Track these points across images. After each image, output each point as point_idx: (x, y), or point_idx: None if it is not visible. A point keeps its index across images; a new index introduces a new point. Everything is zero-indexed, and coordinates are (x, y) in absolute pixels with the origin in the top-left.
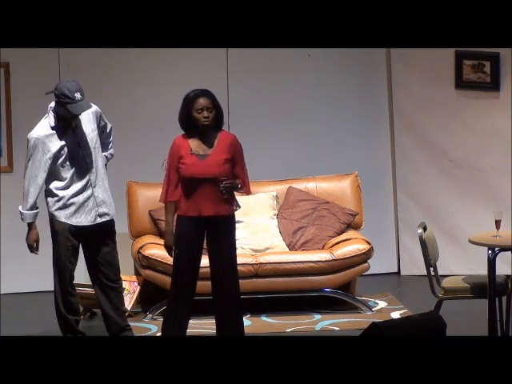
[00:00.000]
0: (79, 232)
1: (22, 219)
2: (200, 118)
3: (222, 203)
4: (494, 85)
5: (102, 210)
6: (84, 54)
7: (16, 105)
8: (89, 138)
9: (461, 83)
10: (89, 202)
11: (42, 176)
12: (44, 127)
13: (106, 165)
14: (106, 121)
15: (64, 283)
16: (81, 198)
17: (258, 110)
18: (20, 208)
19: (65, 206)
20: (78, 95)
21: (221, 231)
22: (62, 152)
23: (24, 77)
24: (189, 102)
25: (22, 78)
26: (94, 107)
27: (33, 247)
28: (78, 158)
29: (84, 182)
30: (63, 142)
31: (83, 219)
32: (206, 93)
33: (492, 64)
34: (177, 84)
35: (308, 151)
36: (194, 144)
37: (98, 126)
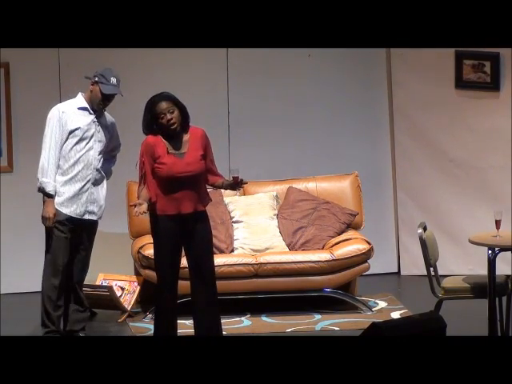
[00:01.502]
0: (68, 224)
1: (44, 188)
2: (164, 123)
3: (199, 199)
4: (494, 85)
5: (92, 208)
6: (84, 54)
7: (16, 105)
8: (103, 138)
9: (461, 83)
10: (83, 195)
11: (58, 147)
12: (69, 104)
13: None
14: (120, 141)
15: (56, 276)
16: (75, 188)
17: (257, 110)
18: (42, 178)
19: (58, 193)
20: (113, 79)
21: (199, 227)
22: (76, 133)
23: (24, 77)
24: (150, 108)
25: (21, 78)
26: (113, 120)
27: (51, 220)
28: (85, 148)
29: (82, 174)
30: (80, 125)
31: (72, 210)
32: (164, 96)
33: (492, 64)
34: (177, 84)
35: (308, 151)
36: (169, 143)
37: (111, 137)
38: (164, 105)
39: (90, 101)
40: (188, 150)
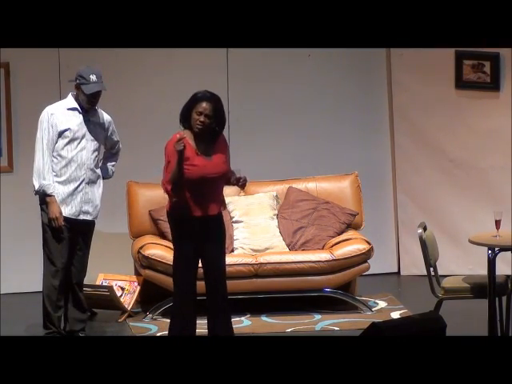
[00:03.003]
0: (65, 223)
1: (46, 190)
2: (196, 120)
3: (221, 201)
4: (494, 85)
5: (86, 208)
6: (84, 54)
7: (16, 105)
8: (95, 137)
9: (461, 83)
10: (77, 196)
11: (50, 148)
12: (59, 105)
13: (105, 177)
14: (118, 138)
15: (55, 276)
16: (68, 189)
17: (257, 110)
18: (42, 181)
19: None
20: (93, 77)
21: (219, 229)
22: (66, 134)
23: (24, 77)
24: (193, 101)
25: (22, 78)
26: (109, 118)
27: (59, 219)
28: (77, 148)
29: (75, 175)
30: (70, 126)
31: (67, 211)
32: (211, 98)
33: (492, 64)
34: (177, 84)
35: (308, 151)
36: (196, 145)
37: (107, 135)
38: (207, 106)
39: (78, 101)
40: (214, 152)
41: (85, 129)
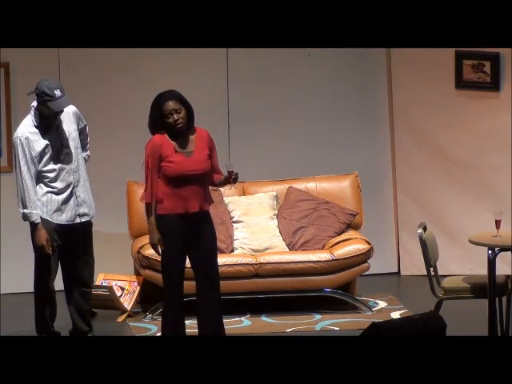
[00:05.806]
0: (59, 230)
1: (28, 219)
2: (171, 122)
3: (205, 199)
4: (494, 85)
5: (83, 209)
6: (84, 54)
7: (16, 105)
8: (71, 137)
9: (461, 83)
10: (70, 201)
11: (34, 172)
12: (27, 126)
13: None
14: (85, 122)
15: (47, 286)
16: (62, 196)
17: (257, 110)
18: (23, 210)
19: (46, 203)
20: (57, 92)
21: (205, 227)
22: (47, 151)
23: (24, 77)
24: (157, 108)
25: (22, 78)
26: (74, 108)
27: (45, 247)
28: (61, 157)
29: (66, 181)
30: (47, 141)
31: (63, 217)
32: (171, 95)
33: (492, 64)
34: (177, 84)
35: (308, 151)
36: (176, 143)
37: (78, 126)
38: (172, 104)
39: (44, 117)
40: (195, 149)
41: (60, 135)
